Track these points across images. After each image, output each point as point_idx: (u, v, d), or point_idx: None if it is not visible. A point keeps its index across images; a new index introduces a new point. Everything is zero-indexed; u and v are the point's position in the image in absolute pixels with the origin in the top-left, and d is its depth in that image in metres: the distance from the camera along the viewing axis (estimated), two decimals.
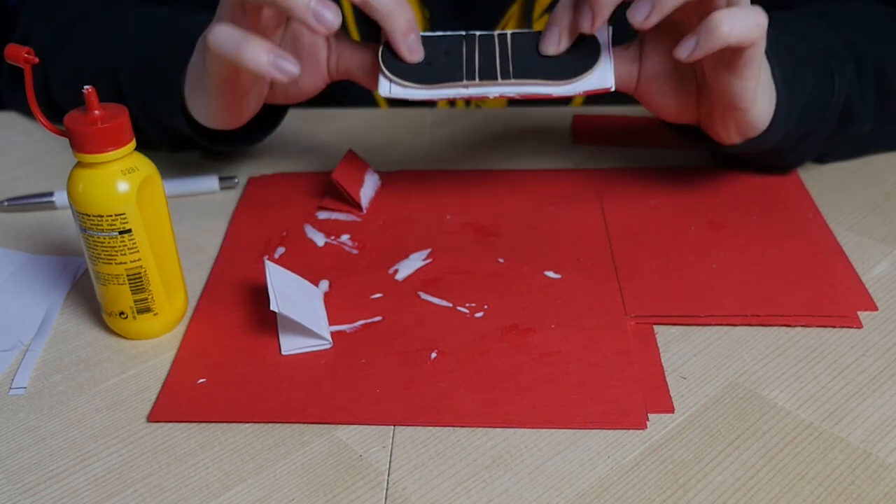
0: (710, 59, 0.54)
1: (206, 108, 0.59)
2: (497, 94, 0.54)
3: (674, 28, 0.55)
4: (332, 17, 0.49)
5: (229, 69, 0.54)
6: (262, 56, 0.50)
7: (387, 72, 0.54)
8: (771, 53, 0.56)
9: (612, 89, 0.55)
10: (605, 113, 0.79)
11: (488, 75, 0.54)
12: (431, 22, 0.78)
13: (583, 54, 0.55)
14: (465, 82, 0.54)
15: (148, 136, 0.67)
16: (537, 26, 0.79)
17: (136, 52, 0.65)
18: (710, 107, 0.57)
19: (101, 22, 0.72)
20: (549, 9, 0.80)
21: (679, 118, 0.60)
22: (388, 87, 0.54)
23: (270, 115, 0.67)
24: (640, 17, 0.51)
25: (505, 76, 0.54)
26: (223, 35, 0.51)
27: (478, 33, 0.56)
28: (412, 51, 0.55)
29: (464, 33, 0.56)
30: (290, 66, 0.51)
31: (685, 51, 0.51)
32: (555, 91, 0.54)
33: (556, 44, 0.55)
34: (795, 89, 0.57)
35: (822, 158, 0.68)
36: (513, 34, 0.55)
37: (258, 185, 0.69)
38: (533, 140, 0.75)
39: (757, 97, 0.55)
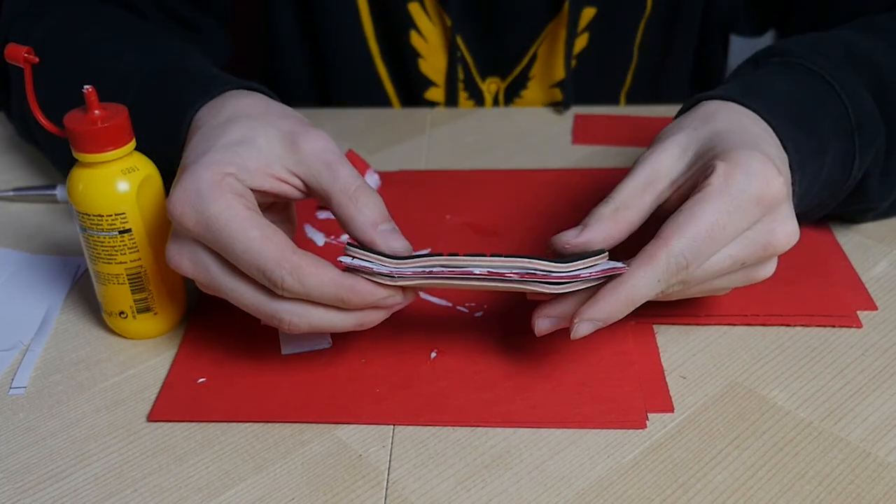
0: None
1: None
2: (485, 272, 0.44)
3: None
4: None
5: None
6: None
7: (349, 247, 0.45)
8: (790, 137, 0.50)
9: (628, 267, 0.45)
10: (606, 113, 0.79)
11: (474, 256, 0.45)
12: (452, 30, 0.77)
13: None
14: (444, 257, 0.45)
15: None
16: (579, 42, 0.78)
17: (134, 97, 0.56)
18: None
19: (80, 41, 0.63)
20: (590, 27, 0.76)
21: None
22: (349, 260, 0.45)
23: None
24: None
25: (496, 257, 0.45)
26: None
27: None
28: (385, 239, 0.46)
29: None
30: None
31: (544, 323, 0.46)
32: (557, 271, 0.44)
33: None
34: (807, 172, 0.51)
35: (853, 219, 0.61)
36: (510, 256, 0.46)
37: None
38: (533, 140, 0.75)
39: None
